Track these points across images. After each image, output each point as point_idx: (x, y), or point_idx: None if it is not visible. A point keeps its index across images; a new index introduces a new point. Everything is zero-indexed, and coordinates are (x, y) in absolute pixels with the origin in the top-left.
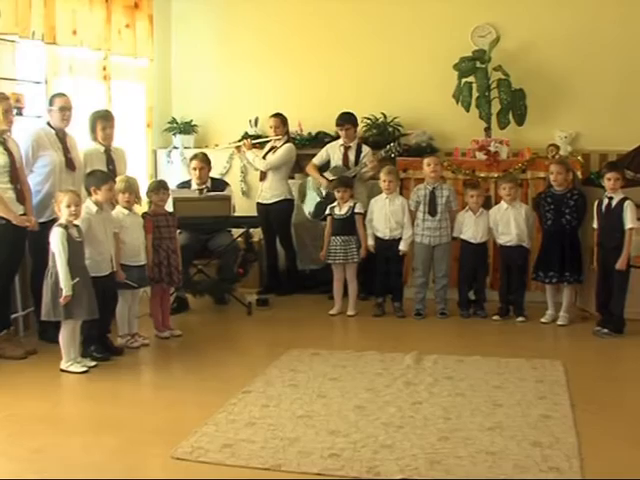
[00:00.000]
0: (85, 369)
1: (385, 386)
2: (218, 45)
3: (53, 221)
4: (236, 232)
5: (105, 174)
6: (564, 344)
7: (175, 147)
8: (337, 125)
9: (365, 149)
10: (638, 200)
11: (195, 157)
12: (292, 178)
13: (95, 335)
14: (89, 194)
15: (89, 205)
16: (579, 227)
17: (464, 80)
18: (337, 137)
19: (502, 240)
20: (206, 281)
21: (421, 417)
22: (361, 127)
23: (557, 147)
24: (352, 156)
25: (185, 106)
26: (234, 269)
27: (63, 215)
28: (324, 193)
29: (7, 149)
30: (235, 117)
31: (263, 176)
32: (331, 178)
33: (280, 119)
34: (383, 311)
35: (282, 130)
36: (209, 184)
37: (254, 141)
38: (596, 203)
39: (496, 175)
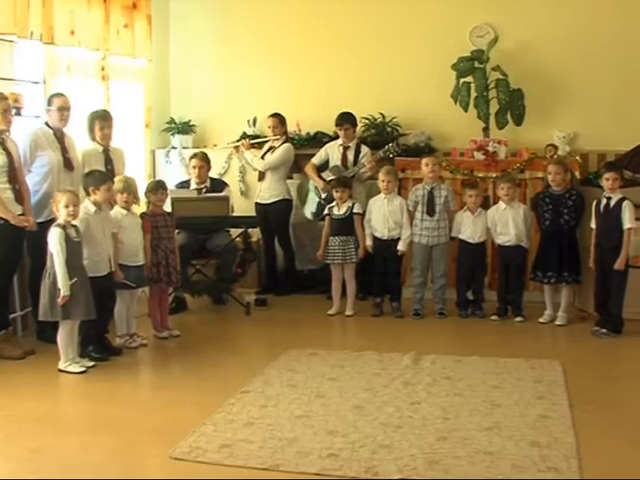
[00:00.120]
0: (83, 369)
1: (383, 386)
2: (216, 45)
3: (51, 221)
4: (234, 232)
5: (103, 174)
6: (562, 344)
7: (173, 147)
8: (336, 125)
9: (364, 149)
10: (636, 200)
11: (195, 156)
12: (290, 178)
13: (93, 335)
14: (87, 194)
15: (87, 205)
16: (577, 227)
17: (462, 80)
18: (335, 137)
19: (500, 240)
20: (204, 281)
21: (419, 417)
22: (359, 127)
23: (555, 147)
24: (351, 156)
25: (183, 106)
26: (232, 269)
27: (61, 215)
28: (322, 195)
29: (5, 149)
30: (233, 117)
31: (261, 176)
32: (330, 178)
33: (278, 119)
34: (381, 311)
35: (280, 130)
36: (208, 184)
37: (252, 141)
38: (594, 203)
39: (494, 175)
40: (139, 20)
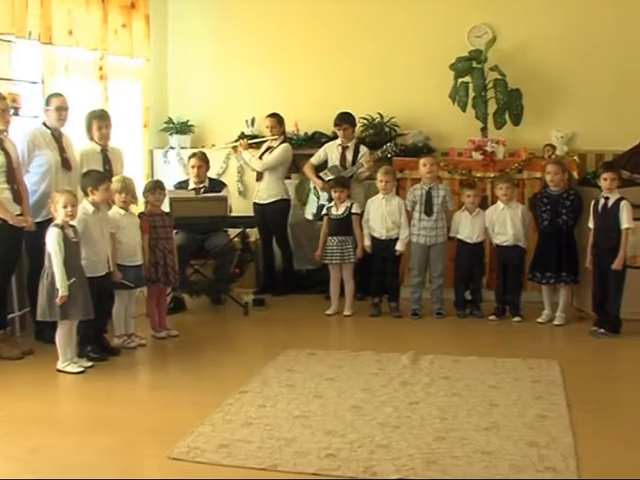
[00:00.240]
0: (81, 369)
1: (381, 386)
2: (214, 45)
3: (49, 221)
4: (233, 232)
5: (101, 174)
6: (560, 344)
7: (172, 147)
8: (335, 125)
9: (363, 149)
10: (634, 200)
11: (194, 155)
12: (289, 178)
13: (91, 335)
14: (86, 194)
15: (86, 205)
16: (575, 227)
17: (460, 80)
18: (333, 137)
19: (498, 240)
20: (202, 281)
21: (417, 417)
22: (358, 127)
23: (553, 147)
24: (350, 156)
25: (181, 106)
26: (230, 269)
27: (59, 215)
28: (321, 195)
29: (4, 149)
30: (231, 117)
31: (259, 176)
32: (328, 178)
33: (276, 119)
34: (379, 311)
35: (278, 130)
36: (207, 184)
37: (250, 141)
38: (592, 203)
39: (492, 175)
40: (137, 20)
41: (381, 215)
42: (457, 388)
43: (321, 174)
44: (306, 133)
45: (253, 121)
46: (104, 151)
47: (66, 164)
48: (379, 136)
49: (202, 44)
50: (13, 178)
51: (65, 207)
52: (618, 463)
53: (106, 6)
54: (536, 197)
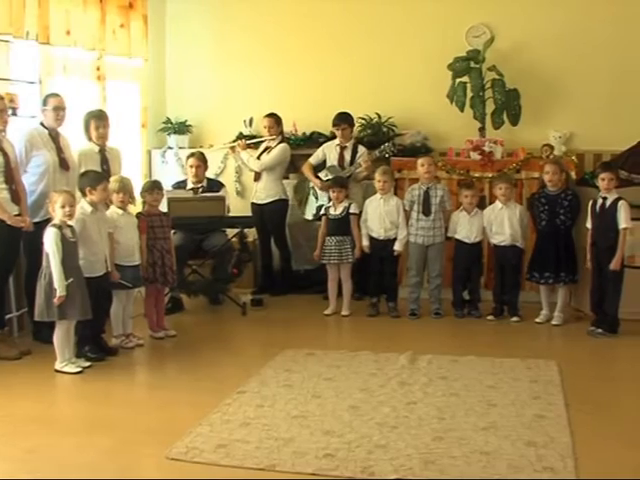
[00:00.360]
0: (79, 369)
1: (379, 386)
2: (212, 45)
3: (47, 221)
4: (230, 232)
5: (99, 174)
6: (558, 344)
7: (170, 147)
8: (333, 125)
9: (361, 149)
10: (632, 200)
11: (192, 155)
12: (287, 178)
13: (89, 335)
14: (83, 195)
15: (84, 205)
16: (573, 227)
17: (458, 80)
18: (331, 137)
19: (496, 240)
20: (200, 281)
21: (415, 417)
22: (356, 127)
23: (551, 147)
24: (348, 156)
25: (179, 106)
26: (228, 269)
27: (57, 215)
28: (319, 195)
29: (2, 149)
30: (230, 117)
31: (257, 176)
32: (327, 178)
33: (274, 119)
34: (377, 311)
35: (276, 130)
36: (205, 184)
37: (249, 141)
38: (590, 203)
39: (490, 175)
40: (135, 20)
41: (379, 215)
42: (455, 388)
43: (320, 174)
44: (304, 133)
45: (251, 121)
46: (102, 151)
47: (64, 164)
48: (377, 136)
49: (200, 44)
50: (11, 178)
51: (63, 207)
52: (616, 463)
53: (104, 6)
54: (534, 197)
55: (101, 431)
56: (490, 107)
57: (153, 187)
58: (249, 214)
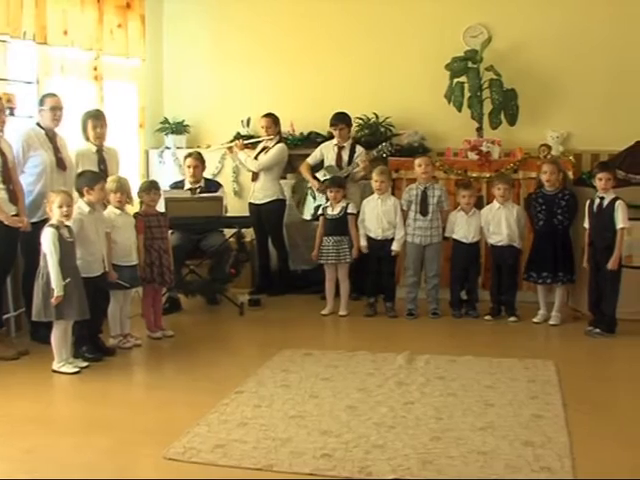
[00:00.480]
0: (77, 370)
1: (377, 386)
2: (210, 45)
3: (45, 221)
4: (228, 232)
5: (96, 174)
6: (556, 344)
7: (167, 147)
8: (331, 125)
9: (359, 149)
10: (630, 200)
11: (190, 155)
12: (284, 178)
13: (87, 335)
14: (81, 195)
15: (81, 205)
16: (570, 227)
17: (456, 80)
18: (329, 137)
19: (493, 240)
20: (198, 281)
21: (413, 417)
22: (353, 127)
23: (549, 147)
24: (346, 156)
25: (177, 106)
26: (226, 269)
27: (55, 215)
28: (317, 195)
29: None
30: (227, 117)
31: (255, 176)
32: (324, 178)
33: (272, 119)
34: (375, 311)
35: (274, 130)
36: (202, 184)
37: (246, 141)
38: (587, 203)
39: (488, 175)
40: (133, 20)
41: (377, 215)
42: (453, 388)
43: (318, 174)
44: (302, 133)
45: (249, 121)
46: (100, 151)
47: (61, 164)
48: (374, 136)
49: (198, 44)
50: (9, 178)
51: (61, 207)
52: (613, 463)
53: (101, 6)
54: (531, 197)
55: (99, 431)
56: (488, 107)
57: (150, 187)
58: (247, 214)
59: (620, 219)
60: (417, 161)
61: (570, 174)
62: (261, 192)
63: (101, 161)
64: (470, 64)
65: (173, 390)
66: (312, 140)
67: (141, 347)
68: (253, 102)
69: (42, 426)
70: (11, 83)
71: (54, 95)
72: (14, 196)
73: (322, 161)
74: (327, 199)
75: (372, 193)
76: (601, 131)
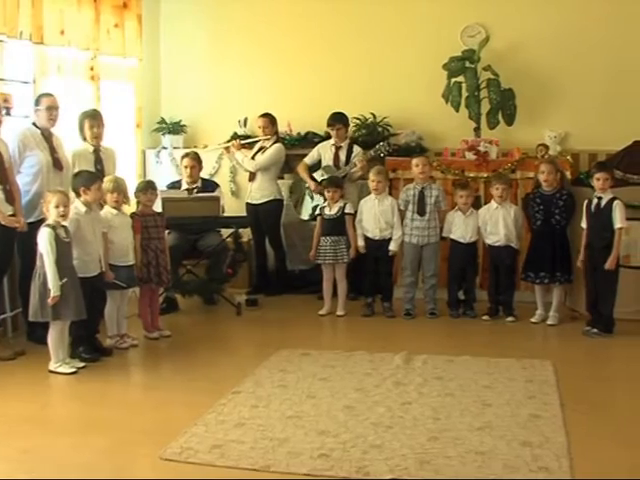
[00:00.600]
0: (74, 370)
1: (374, 386)
2: (207, 45)
3: (42, 221)
4: (225, 232)
5: (93, 174)
6: (554, 344)
7: (164, 147)
8: (328, 125)
9: (356, 149)
10: (627, 200)
11: (187, 155)
12: (282, 178)
13: (84, 336)
14: (77, 195)
15: (78, 205)
16: (568, 227)
17: (453, 80)
18: (326, 137)
19: (490, 240)
20: (195, 281)
21: (410, 417)
22: (350, 127)
23: (546, 147)
24: (343, 156)
25: (174, 106)
26: (223, 269)
27: (51, 215)
28: (314, 195)
29: None
30: (224, 117)
31: (252, 176)
32: (322, 178)
33: (269, 119)
34: (372, 311)
35: (271, 130)
36: (199, 184)
37: (243, 141)
38: (585, 203)
39: (485, 175)
40: (129, 20)
41: (374, 215)
42: (450, 388)
43: (316, 174)
44: (299, 133)
45: (246, 121)
46: (96, 151)
47: (57, 164)
48: (372, 136)
49: (195, 44)
50: (5, 178)
51: (57, 207)
52: (611, 463)
53: (98, 6)
54: (529, 197)
55: (96, 431)
56: (485, 107)
57: (147, 187)
58: (244, 214)
59: (618, 219)
60: (414, 161)
61: (568, 174)
62: (258, 192)
63: (98, 161)
64: (468, 64)
65: (170, 390)
66: (309, 140)
67: (138, 347)
68: (250, 102)
69: (39, 426)
70: (8, 83)
71: (50, 95)
72: (11, 196)
73: (319, 161)
74: (325, 199)
75: (369, 193)
76: (599, 131)
